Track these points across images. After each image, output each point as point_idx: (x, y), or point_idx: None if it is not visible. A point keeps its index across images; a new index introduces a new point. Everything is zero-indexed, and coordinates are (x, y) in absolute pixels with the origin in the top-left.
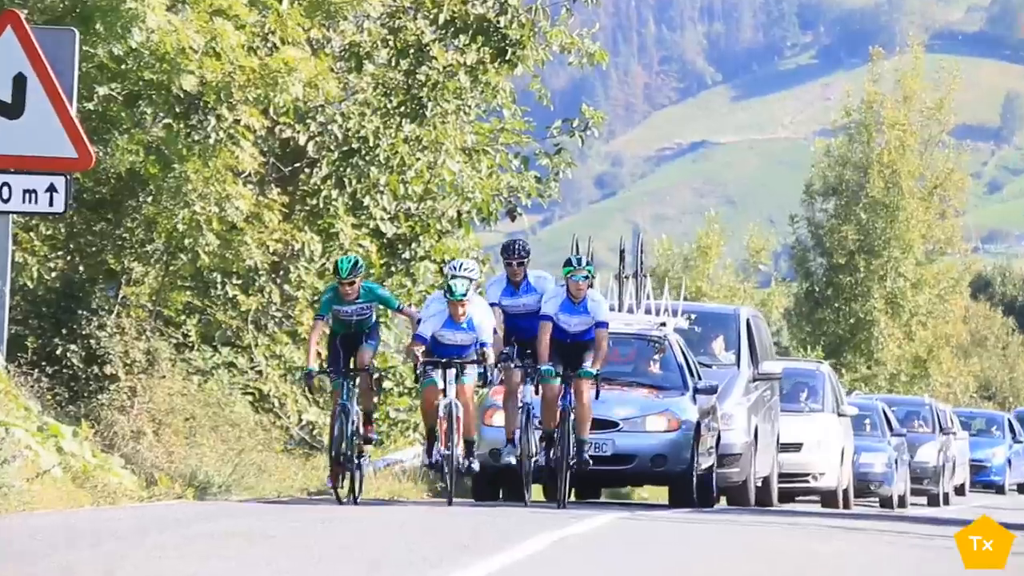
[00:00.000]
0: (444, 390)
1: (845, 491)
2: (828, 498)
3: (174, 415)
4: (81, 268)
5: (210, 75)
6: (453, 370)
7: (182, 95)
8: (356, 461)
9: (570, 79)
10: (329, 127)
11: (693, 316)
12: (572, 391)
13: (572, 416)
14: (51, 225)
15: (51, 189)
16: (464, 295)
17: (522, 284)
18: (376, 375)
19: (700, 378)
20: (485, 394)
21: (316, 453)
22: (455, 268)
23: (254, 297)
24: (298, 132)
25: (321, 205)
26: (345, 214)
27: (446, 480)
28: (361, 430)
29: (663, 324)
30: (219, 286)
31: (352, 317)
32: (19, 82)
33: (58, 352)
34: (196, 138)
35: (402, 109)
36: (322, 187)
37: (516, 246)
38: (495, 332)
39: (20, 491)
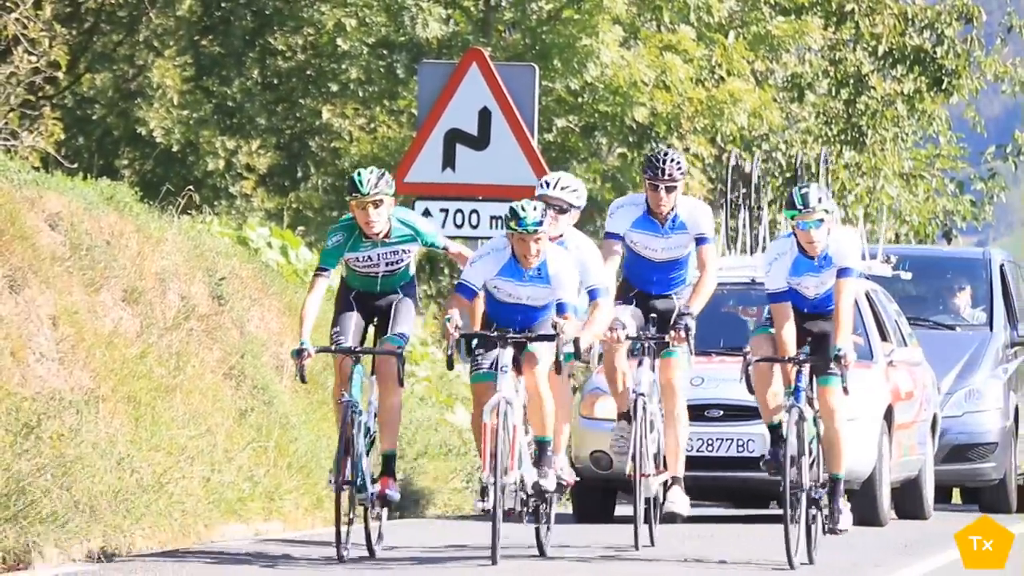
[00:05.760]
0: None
1: None
2: None
3: None
4: None
5: (660, 106)
6: (509, 350)
7: (634, 126)
8: (371, 490)
9: (1003, 107)
10: (773, 154)
11: (893, 258)
12: (816, 396)
13: (819, 427)
14: None
15: None
16: (537, 225)
17: (669, 218)
18: (404, 361)
19: (906, 344)
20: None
21: None
22: (546, 184)
23: None
24: (744, 160)
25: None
26: None
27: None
28: (379, 444)
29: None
30: None
31: (378, 266)
32: (484, 116)
33: None
34: None
35: (842, 137)
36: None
37: (665, 160)
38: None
39: None
